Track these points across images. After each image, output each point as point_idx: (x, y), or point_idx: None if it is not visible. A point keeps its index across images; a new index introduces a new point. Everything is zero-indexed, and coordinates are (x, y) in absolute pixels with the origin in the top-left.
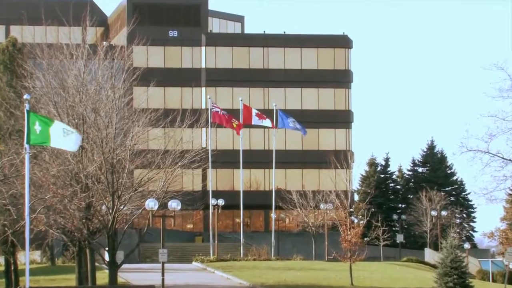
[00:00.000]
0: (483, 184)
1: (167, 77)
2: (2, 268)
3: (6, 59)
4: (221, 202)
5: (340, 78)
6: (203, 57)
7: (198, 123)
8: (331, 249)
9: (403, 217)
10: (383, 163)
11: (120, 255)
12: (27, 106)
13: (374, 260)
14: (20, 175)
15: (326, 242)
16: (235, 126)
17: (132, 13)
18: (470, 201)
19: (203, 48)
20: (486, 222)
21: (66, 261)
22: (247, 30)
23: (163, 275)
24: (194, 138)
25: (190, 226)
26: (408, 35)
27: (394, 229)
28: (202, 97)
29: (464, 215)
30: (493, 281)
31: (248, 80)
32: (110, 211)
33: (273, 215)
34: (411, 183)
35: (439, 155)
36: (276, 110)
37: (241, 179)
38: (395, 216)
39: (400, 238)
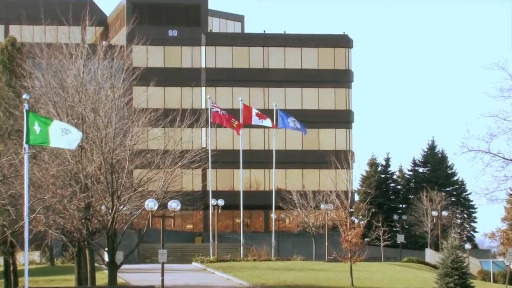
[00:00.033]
0: (484, 184)
1: (166, 77)
2: (1, 269)
3: (5, 58)
4: (221, 202)
5: (340, 78)
6: (203, 57)
7: (198, 123)
8: (332, 249)
9: (404, 217)
10: (383, 163)
11: (119, 256)
12: (26, 106)
13: (374, 260)
14: (19, 175)
15: (326, 243)
16: (235, 126)
17: (132, 13)
18: (471, 201)
19: (203, 47)
20: (487, 222)
21: (65, 262)
22: (247, 30)
23: (162, 275)
24: (194, 138)
25: (190, 226)
26: (408, 35)
27: (394, 229)
28: (202, 97)
29: (465, 216)
30: (494, 281)
31: (248, 80)
32: (110, 211)
33: (273, 216)
34: (411, 183)
35: (440, 155)
36: (276, 110)
37: (241, 179)
38: (395, 217)
39: (400, 238)
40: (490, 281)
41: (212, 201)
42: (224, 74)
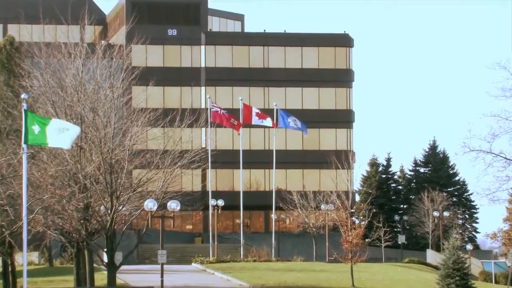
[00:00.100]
0: (486, 184)
1: (166, 76)
2: (0, 270)
3: (4, 58)
4: (220, 202)
5: (341, 77)
6: (203, 56)
7: (198, 122)
8: (332, 250)
9: (405, 218)
10: (384, 163)
11: (118, 256)
12: (24, 105)
13: (375, 261)
14: (17, 175)
15: (327, 243)
16: (235, 124)
17: (131, 12)
18: (473, 201)
19: (202, 47)
20: (488, 223)
21: (64, 262)
22: (247, 29)
23: (162, 276)
24: (193, 138)
25: (189, 227)
26: (409, 34)
27: (395, 230)
28: (201, 96)
29: (467, 216)
30: (496, 282)
31: (248, 80)
32: (109, 211)
33: (273, 216)
34: (413, 184)
35: (441, 155)
36: (277, 109)
37: (241, 180)
38: (396, 217)
39: (401, 239)
40: (492, 282)
41: (212, 202)
42: (224, 73)
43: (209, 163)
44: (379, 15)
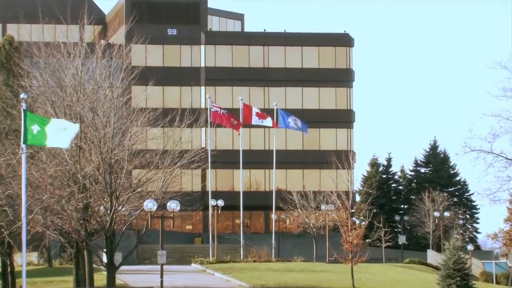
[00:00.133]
0: (487, 184)
1: (166, 76)
2: None
3: (3, 57)
4: (220, 203)
5: (341, 77)
6: (203, 56)
7: (198, 122)
8: (332, 250)
9: (405, 218)
10: (385, 163)
11: (118, 257)
12: (23, 105)
13: (376, 261)
14: (16, 176)
15: (327, 244)
16: (235, 124)
17: (131, 11)
18: (474, 202)
19: (202, 46)
20: (489, 223)
21: (63, 263)
22: (247, 29)
23: (162, 277)
24: (193, 138)
25: (189, 227)
26: (410, 34)
27: (396, 230)
28: (201, 96)
29: (467, 216)
30: (497, 283)
31: (248, 79)
32: (108, 212)
33: (273, 216)
34: (413, 184)
35: (442, 155)
36: (277, 109)
37: (241, 180)
38: (397, 217)
39: (402, 239)
40: (493, 283)
41: (211, 202)
42: (224, 73)
43: (209, 163)
44: (380, 15)
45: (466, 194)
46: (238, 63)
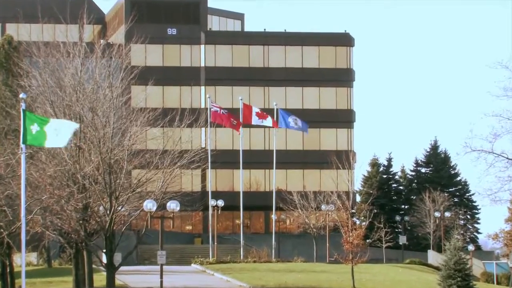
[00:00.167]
0: (488, 184)
1: (165, 76)
2: None
3: (2, 57)
4: (220, 203)
5: (341, 77)
6: (202, 56)
7: (197, 122)
8: (333, 251)
9: (406, 218)
10: (385, 163)
11: (118, 257)
12: (23, 105)
13: (376, 262)
14: (16, 176)
15: (327, 244)
16: (234, 124)
17: (130, 11)
18: (474, 202)
19: (202, 46)
20: (490, 223)
21: (63, 263)
22: (247, 28)
23: (161, 277)
24: (193, 138)
25: (189, 227)
26: (410, 34)
27: (396, 230)
28: (201, 96)
29: (468, 217)
30: (498, 283)
31: (248, 79)
32: (108, 212)
33: (273, 216)
34: (414, 184)
35: (442, 155)
36: (277, 109)
37: (241, 180)
38: (397, 218)
39: (402, 239)
40: (494, 283)
41: (211, 202)
42: (223, 73)
43: (209, 163)
44: (380, 15)
45: (467, 194)
46: (238, 63)
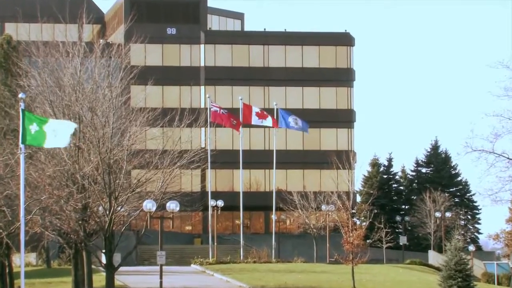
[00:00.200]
0: (488, 185)
1: (165, 76)
2: None
3: (1, 57)
4: (220, 203)
5: (342, 77)
6: (202, 55)
7: (197, 122)
8: (333, 251)
9: (407, 218)
10: (386, 163)
11: (117, 258)
12: (22, 105)
13: (376, 262)
14: (15, 176)
15: (327, 244)
16: (234, 124)
17: (130, 10)
18: (475, 202)
19: (202, 46)
20: (491, 223)
21: (62, 264)
22: (247, 28)
23: (161, 277)
24: (193, 137)
25: (188, 227)
26: (410, 34)
27: (397, 231)
28: (201, 96)
29: (469, 217)
30: (499, 283)
31: (248, 79)
32: (107, 212)
33: (273, 217)
34: (414, 184)
35: (443, 155)
36: (277, 109)
37: (241, 180)
38: (398, 218)
39: (403, 240)
40: (495, 284)
41: (211, 202)
42: (223, 72)
43: (209, 163)
44: (380, 14)
45: (468, 194)
46: (238, 63)
